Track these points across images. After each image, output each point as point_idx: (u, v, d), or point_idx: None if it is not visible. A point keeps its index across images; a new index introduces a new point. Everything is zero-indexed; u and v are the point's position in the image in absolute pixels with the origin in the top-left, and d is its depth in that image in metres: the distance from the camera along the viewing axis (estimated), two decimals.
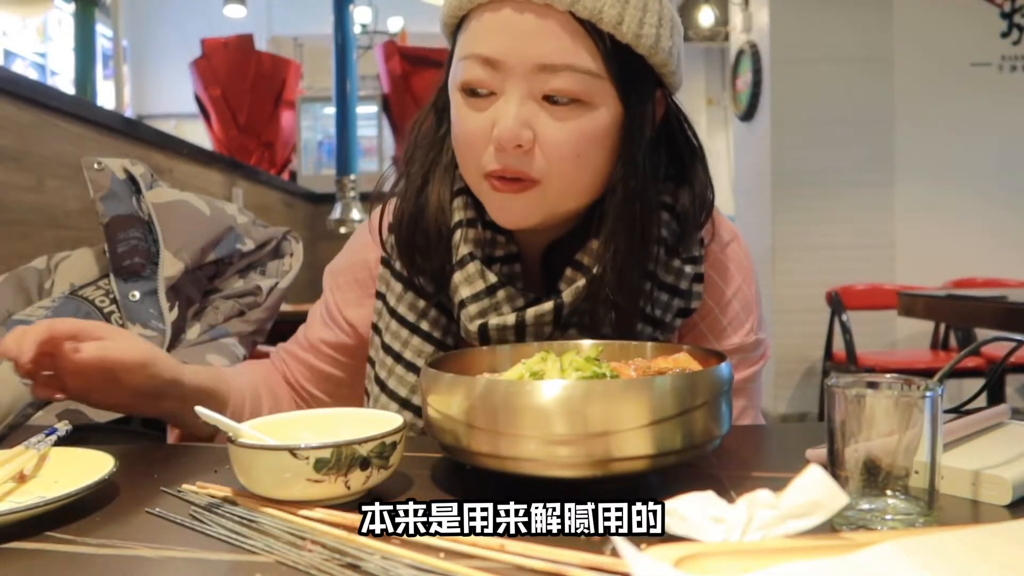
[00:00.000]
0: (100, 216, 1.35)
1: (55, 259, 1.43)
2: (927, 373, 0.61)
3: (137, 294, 1.30)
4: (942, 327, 3.92)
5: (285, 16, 7.19)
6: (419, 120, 0.89)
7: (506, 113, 0.73)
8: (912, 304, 2.39)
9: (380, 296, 0.91)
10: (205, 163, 2.87)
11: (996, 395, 2.79)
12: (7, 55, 6.02)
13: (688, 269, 0.84)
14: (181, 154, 2.64)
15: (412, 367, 0.86)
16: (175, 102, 6.79)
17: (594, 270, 0.79)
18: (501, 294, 0.80)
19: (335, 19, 3.38)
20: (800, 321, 4.13)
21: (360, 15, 6.00)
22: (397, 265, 0.89)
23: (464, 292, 0.80)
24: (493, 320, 0.79)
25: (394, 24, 6.24)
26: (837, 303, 3.65)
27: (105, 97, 5.41)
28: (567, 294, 0.79)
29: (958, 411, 0.75)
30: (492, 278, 0.80)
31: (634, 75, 0.75)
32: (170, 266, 1.31)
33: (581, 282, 0.79)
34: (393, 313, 0.88)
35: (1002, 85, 4.36)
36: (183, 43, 6.29)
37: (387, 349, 0.88)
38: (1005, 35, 4.39)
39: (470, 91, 0.76)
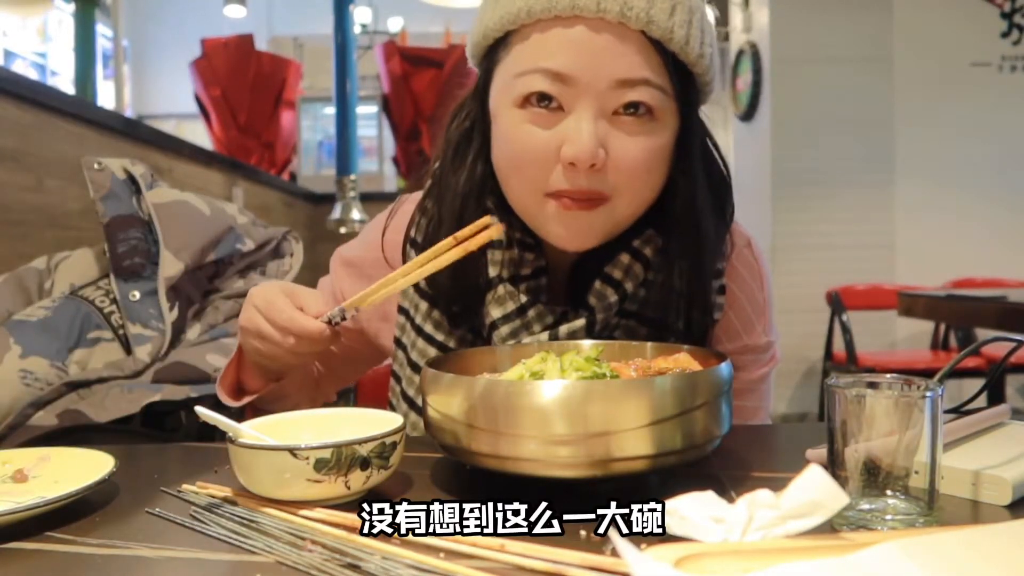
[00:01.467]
0: (100, 216, 1.35)
1: (55, 259, 1.43)
2: (927, 373, 0.61)
3: (137, 294, 1.30)
4: (942, 327, 3.92)
5: (285, 16, 7.19)
6: (447, 140, 0.87)
7: (580, 131, 0.72)
8: (912, 304, 2.39)
9: (403, 311, 0.90)
10: (205, 163, 2.87)
11: (996, 395, 2.79)
12: (7, 55, 6.02)
13: (714, 283, 0.85)
14: (181, 154, 2.64)
15: None
16: (175, 102, 6.79)
17: (626, 286, 0.81)
18: (532, 313, 0.81)
19: (335, 19, 3.37)
20: (800, 321, 4.12)
21: (360, 15, 6.00)
22: (422, 283, 0.87)
23: (495, 313, 0.81)
24: (526, 340, 0.80)
25: (394, 24, 6.24)
26: (837, 303, 3.65)
27: (105, 97, 5.41)
28: (599, 309, 0.80)
29: (958, 411, 0.75)
30: (522, 298, 0.81)
31: (690, 92, 0.77)
32: (170, 266, 1.31)
33: (613, 298, 0.80)
34: (420, 331, 0.87)
35: (1002, 85, 4.36)
36: (183, 43, 6.29)
37: (414, 366, 0.87)
38: (1005, 35, 4.38)
39: (534, 105, 0.75)
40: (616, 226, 0.79)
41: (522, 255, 0.83)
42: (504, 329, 0.81)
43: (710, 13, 0.80)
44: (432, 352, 0.86)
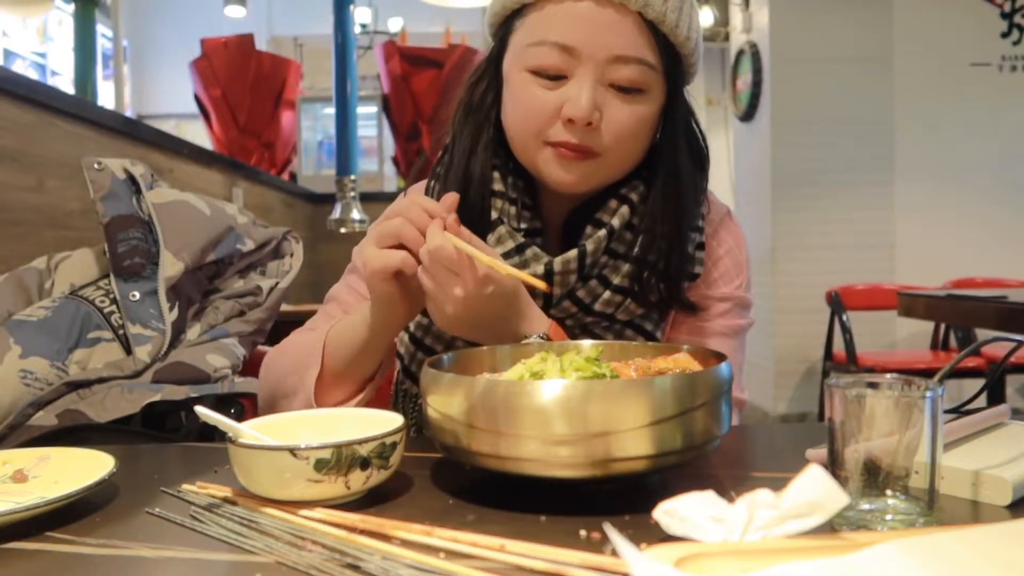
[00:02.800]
0: (100, 216, 1.35)
1: (55, 259, 1.43)
2: (927, 373, 0.61)
3: (137, 294, 1.30)
4: (942, 327, 3.92)
5: (285, 16, 7.19)
6: (461, 100, 0.96)
7: (579, 96, 0.83)
8: (912, 304, 2.39)
9: None
10: (205, 163, 2.87)
11: (996, 395, 2.79)
12: (7, 55, 6.02)
13: (695, 237, 0.94)
14: (181, 154, 2.64)
15: None
16: (175, 102, 6.79)
17: (613, 223, 0.90)
18: (529, 252, 0.89)
19: (335, 19, 3.37)
20: (800, 321, 4.13)
21: (360, 15, 6.01)
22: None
23: (497, 250, 0.88)
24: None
25: (394, 24, 6.24)
26: (837, 303, 3.65)
27: (105, 97, 5.41)
28: (590, 243, 0.89)
29: (958, 411, 0.75)
30: (520, 238, 0.90)
31: (676, 69, 0.88)
32: (170, 266, 1.31)
33: (601, 233, 0.89)
34: None
35: (1002, 85, 4.36)
36: (183, 43, 6.29)
37: (423, 311, 0.92)
38: (1005, 35, 4.39)
39: (541, 75, 0.85)
40: (604, 178, 0.90)
41: (519, 212, 0.92)
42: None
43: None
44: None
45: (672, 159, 0.91)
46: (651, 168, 0.92)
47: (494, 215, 0.91)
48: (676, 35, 0.85)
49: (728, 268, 1.01)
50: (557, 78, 0.85)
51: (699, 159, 0.96)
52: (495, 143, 0.93)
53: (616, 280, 0.90)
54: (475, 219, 0.90)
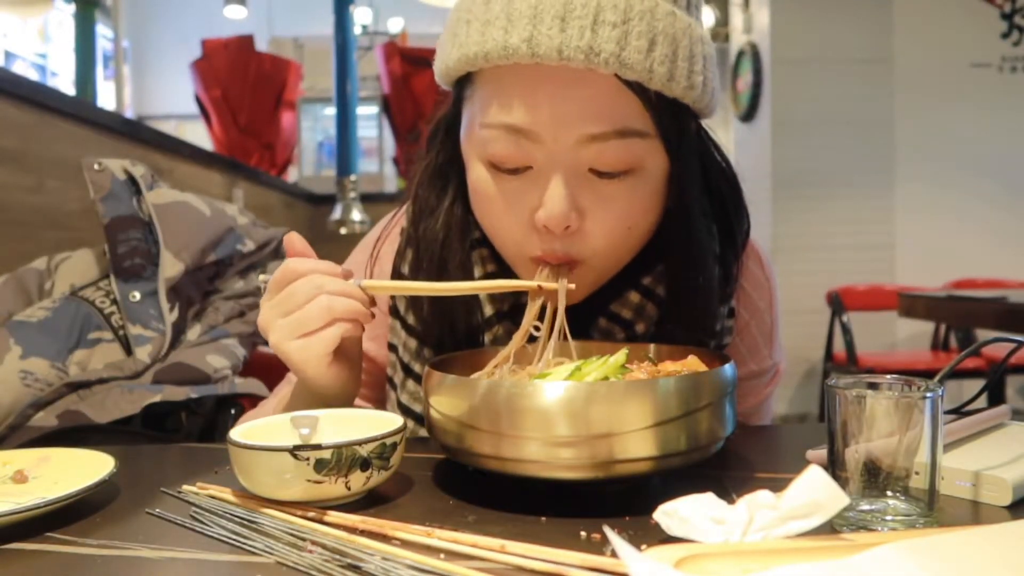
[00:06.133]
0: (100, 217, 1.35)
1: (55, 260, 1.43)
2: (927, 374, 0.61)
3: (138, 295, 1.30)
4: (942, 328, 3.92)
5: (285, 17, 7.19)
6: (421, 181, 0.81)
7: (552, 196, 0.67)
8: (912, 305, 2.39)
9: (393, 349, 0.84)
10: (205, 164, 2.87)
11: (996, 396, 2.79)
12: (7, 56, 6.03)
13: (722, 308, 0.81)
14: (181, 155, 2.64)
15: None
16: (175, 103, 6.80)
17: (637, 327, 0.78)
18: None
19: (335, 20, 3.38)
20: (800, 322, 4.12)
21: (360, 16, 6.01)
22: (409, 318, 0.82)
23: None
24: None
25: (394, 25, 6.25)
26: (837, 304, 3.65)
27: (105, 98, 5.42)
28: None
29: (958, 412, 0.75)
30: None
31: (679, 123, 0.70)
32: (170, 267, 1.31)
33: (621, 336, 0.78)
34: (409, 371, 0.82)
35: (1002, 86, 4.36)
36: (183, 44, 6.30)
37: (406, 410, 0.82)
38: (1005, 36, 4.39)
39: (501, 171, 0.69)
40: (597, 280, 0.75)
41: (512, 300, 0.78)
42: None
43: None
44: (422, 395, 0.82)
45: (684, 237, 0.74)
46: (666, 236, 0.75)
47: (490, 309, 0.77)
48: (672, 88, 0.66)
49: (755, 341, 0.87)
50: (520, 174, 0.68)
51: (725, 212, 0.80)
52: (468, 225, 0.78)
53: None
54: (460, 313, 0.77)
